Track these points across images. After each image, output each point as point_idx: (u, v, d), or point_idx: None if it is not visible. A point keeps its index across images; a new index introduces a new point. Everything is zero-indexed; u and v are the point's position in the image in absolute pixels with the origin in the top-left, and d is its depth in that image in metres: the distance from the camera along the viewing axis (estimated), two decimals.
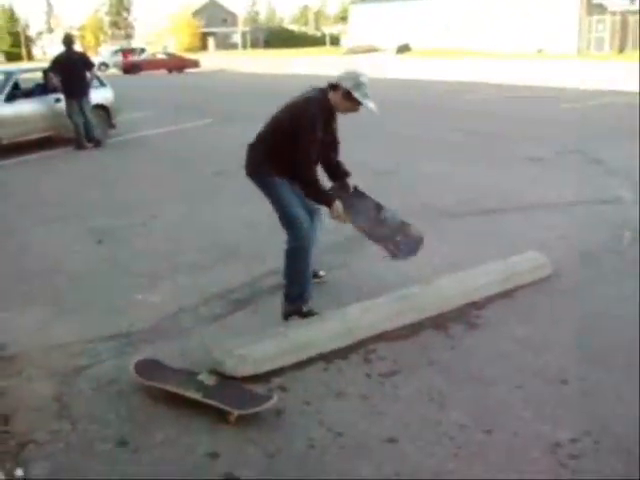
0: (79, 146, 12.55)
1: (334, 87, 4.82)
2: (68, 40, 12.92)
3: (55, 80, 12.20)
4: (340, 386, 3.99)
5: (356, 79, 4.68)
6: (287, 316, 4.82)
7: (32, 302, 5.39)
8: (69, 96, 12.32)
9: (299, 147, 4.72)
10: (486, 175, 9.77)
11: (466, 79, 29.09)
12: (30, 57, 75.25)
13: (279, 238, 6.60)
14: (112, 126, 13.82)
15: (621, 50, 45.49)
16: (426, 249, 6.42)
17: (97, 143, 12.81)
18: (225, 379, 3.94)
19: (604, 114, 16.89)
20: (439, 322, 4.84)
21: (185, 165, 11.00)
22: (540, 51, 47.70)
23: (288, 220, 4.86)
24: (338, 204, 4.74)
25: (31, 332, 4.84)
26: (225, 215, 7.85)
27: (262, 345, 4.16)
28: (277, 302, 5.22)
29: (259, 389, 3.90)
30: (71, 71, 12.28)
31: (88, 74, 12.63)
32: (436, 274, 5.65)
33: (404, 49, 55.25)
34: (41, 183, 9.95)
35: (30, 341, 4.68)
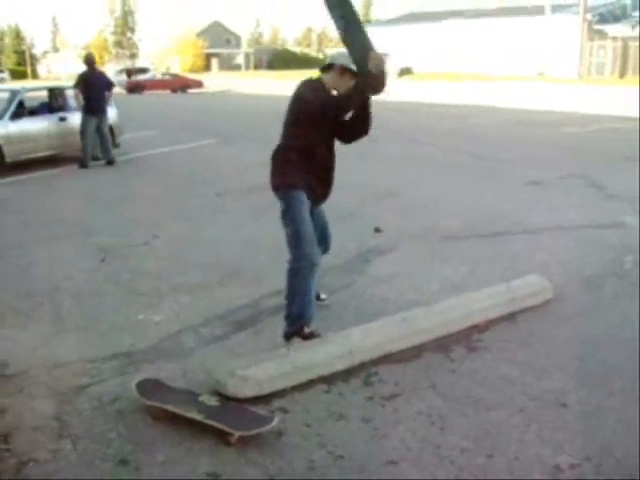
0: (83, 165, 12.61)
1: (328, 68, 4.87)
2: (90, 59, 13.17)
3: (80, 97, 12.49)
4: (341, 408, 3.99)
5: (347, 55, 4.65)
6: (288, 337, 4.77)
7: (34, 320, 5.40)
8: (88, 113, 12.53)
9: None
10: (488, 198, 9.80)
11: (468, 102, 29.25)
12: (35, 76, 75.65)
13: (280, 259, 6.62)
14: (116, 145, 13.89)
15: (622, 75, 45.75)
16: (428, 272, 6.50)
17: (111, 161, 13.00)
18: (226, 400, 3.94)
19: (605, 139, 16.97)
20: (441, 345, 4.84)
21: (187, 185, 11.04)
22: (541, 74, 47.95)
23: (297, 239, 4.74)
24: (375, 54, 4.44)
25: (32, 350, 4.83)
26: (227, 235, 7.87)
27: (264, 366, 4.16)
28: (279, 323, 5.22)
29: (260, 410, 3.89)
30: (93, 89, 12.60)
31: (107, 93, 12.89)
32: (438, 296, 5.67)
33: (406, 72, 55.55)
34: (45, 201, 9.99)
35: (31, 359, 4.67)
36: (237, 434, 3.56)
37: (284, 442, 3.65)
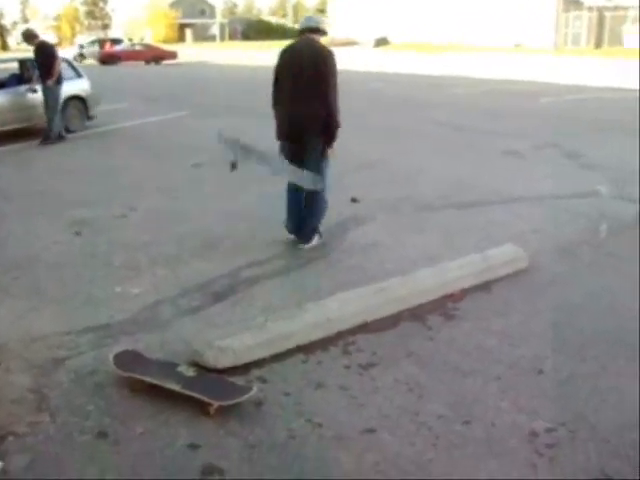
0: (60, 137, 12.38)
1: (316, 31, 6.09)
2: (33, 34, 12.74)
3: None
4: (319, 377, 4.01)
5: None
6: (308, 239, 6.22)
7: (10, 293, 5.35)
8: (59, 83, 12.24)
9: (330, 87, 5.86)
10: (465, 169, 9.83)
11: (444, 73, 29.23)
12: (5, 47, 74.36)
13: (258, 230, 6.65)
14: (90, 118, 13.72)
15: (598, 45, 45.85)
16: (404, 242, 6.52)
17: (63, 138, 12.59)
18: (204, 371, 3.94)
19: (581, 109, 17.05)
20: (417, 314, 4.88)
21: (164, 157, 10.96)
22: (518, 46, 47.92)
23: (322, 175, 6.07)
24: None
25: (9, 324, 4.80)
26: (204, 207, 7.83)
27: (241, 337, 4.17)
28: (256, 294, 5.26)
29: (238, 381, 3.90)
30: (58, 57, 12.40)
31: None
32: (414, 266, 5.69)
33: (382, 42, 55.30)
34: (17, 174, 9.86)
35: (8, 333, 4.64)
36: (216, 404, 3.57)
37: (263, 412, 3.66)
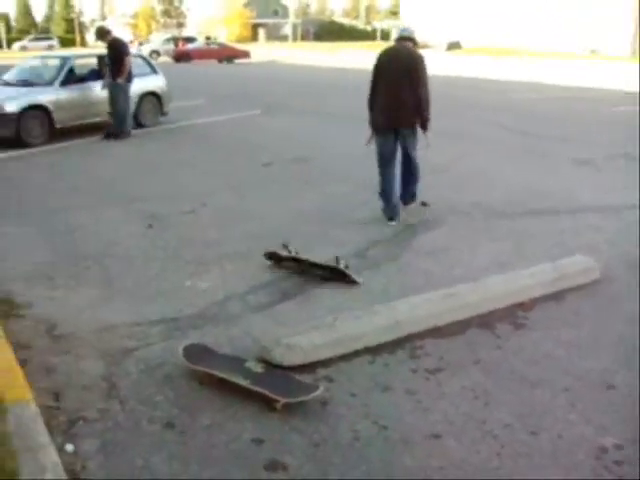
0: (127, 133, 12.58)
1: (409, 39, 7.29)
2: (106, 31, 12.99)
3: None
4: (386, 380, 4.00)
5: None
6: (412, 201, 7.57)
7: (82, 283, 5.49)
8: (129, 80, 12.37)
9: (422, 84, 6.97)
10: (534, 175, 9.67)
11: (515, 78, 28.80)
12: (83, 43, 76.17)
13: (326, 230, 6.67)
14: (164, 113, 13.97)
15: None
16: (474, 248, 6.45)
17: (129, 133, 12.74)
18: (272, 367, 3.97)
19: None
20: (486, 321, 4.82)
21: (235, 155, 11.08)
22: (593, 52, 47.03)
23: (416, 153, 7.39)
24: None
25: (81, 312, 4.93)
26: (273, 206, 7.89)
27: (310, 335, 4.18)
28: (324, 294, 5.27)
29: (305, 379, 3.92)
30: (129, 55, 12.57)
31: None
32: (483, 273, 5.63)
33: (455, 46, 54.88)
34: (92, 166, 10.12)
35: (80, 321, 4.76)
36: (282, 401, 3.60)
37: (329, 411, 3.67)
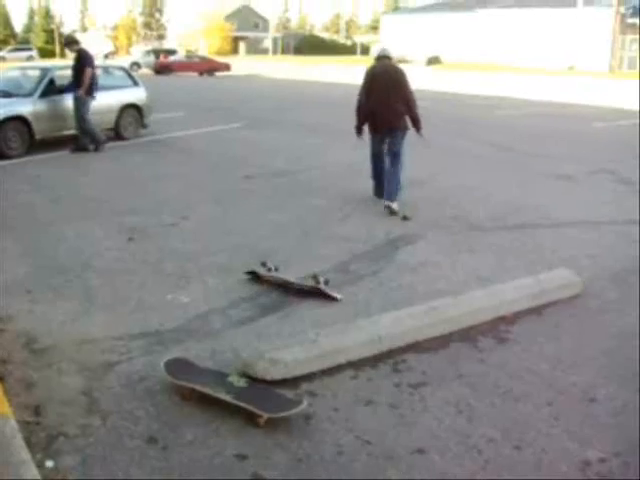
0: (100, 145, 12.35)
1: (388, 58, 8.57)
2: (74, 40, 12.79)
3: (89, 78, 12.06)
4: (369, 394, 3.99)
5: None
6: (395, 196, 8.30)
7: (63, 296, 5.43)
8: (91, 94, 12.13)
9: (409, 93, 8.34)
10: (516, 190, 9.73)
11: (495, 94, 29.03)
12: (63, 54, 75.86)
13: (308, 244, 6.67)
14: (144, 126, 13.92)
15: None
16: (455, 262, 6.47)
17: (103, 143, 12.49)
18: (255, 382, 3.94)
19: (636, 134, 16.77)
20: (469, 335, 4.82)
21: (216, 167, 11.06)
22: (571, 68, 47.52)
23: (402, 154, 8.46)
24: None
25: (61, 326, 4.88)
26: (255, 219, 7.87)
27: (292, 350, 4.17)
28: (306, 308, 5.26)
29: (288, 394, 3.90)
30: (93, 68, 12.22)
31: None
32: (464, 287, 5.65)
33: (434, 61, 55.24)
34: (73, 179, 10.05)
35: (60, 335, 4.71)
36: (265, 416, 3.57)
37: (312, 426, 3.65)
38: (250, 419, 3.62)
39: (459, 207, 8.63)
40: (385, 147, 8.54)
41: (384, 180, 8.58)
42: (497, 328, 4.97)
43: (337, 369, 4.24)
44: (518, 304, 5.26)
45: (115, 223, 7.51)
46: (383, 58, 8.59)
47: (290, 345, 4.24)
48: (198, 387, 3.80)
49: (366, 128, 8.65)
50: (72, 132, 12.52)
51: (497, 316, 5.11)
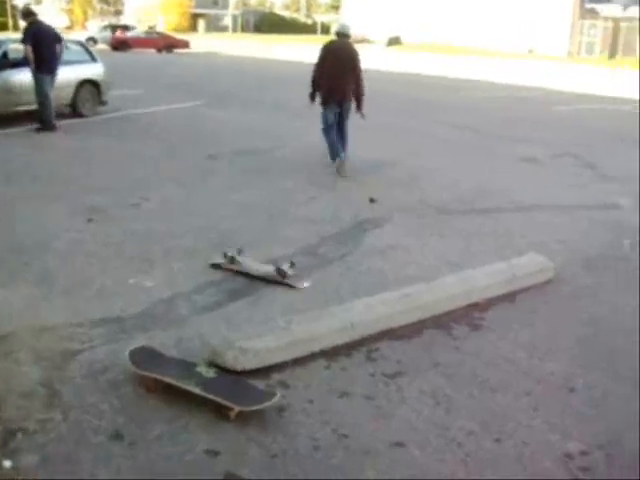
0: (49, 127, 11.62)
1: (347, 36, 9.45)
2: (29, 11, 11.92)
3: (30, 54, 11.26)
4: (344, 385, 3.84)
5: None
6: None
7: (20, 280, 5.17)
8: (43, 71, 11.42)
9: (360, 72, 9.12)
10: (482, 173, 9.67)
11: (456, 75, 29.03)
12: (16, 27, 73.90)
13: (272, 225, 6.52)
14: (102, 103, 13.52)
15: (611, 56, 45.63)
16: (424, 246, 6.35)
17: (52, 127, 11.73)
18: (224, 372, 3.77)
19: (596, 118, 16.87)
20: (442, 322, 4.71)
21: (178, 146, 10.77)
22: (531, 51, 47.76)
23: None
24: None
25: (19, 311, 4.63)
26: (219, 199, 7.66)
27: (263, 339, 3.99)
28: (274, 293, 5.09)
29: (259, 384, 3.73)
30: (43, 44, 11.38)
31: (58, 47, 11.72)
32: (434, 272, 5.54)
33: (395, 41, 55.10)
34: (29, 157, 9.67)
35: (18, 320, 4.47)
36: (237, 409, 3.41)
37: (286, 419, 3.49)
38: (220, 412, 3.45)
39: (426, 190, 8.52)
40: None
41: (338, 143, 9.36)
42: (471, 315, 4.86)
43: (310, 358, 4.08)
44: (491, 290, 5.16)
45: (74, 203, 7.22)
46: (342, 36, 9.38)
47: (261, 333, 4.07)
48: (166, 379, 3.61)
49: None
50: (27, 108, 12.07)
51: (470, 302, 5.00)
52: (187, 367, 3.76)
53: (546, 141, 12.78)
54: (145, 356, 3.84)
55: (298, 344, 4.06)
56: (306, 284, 5.25)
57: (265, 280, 5.28)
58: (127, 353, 3.83)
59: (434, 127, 14.09)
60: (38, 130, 11.50)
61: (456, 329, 4.63)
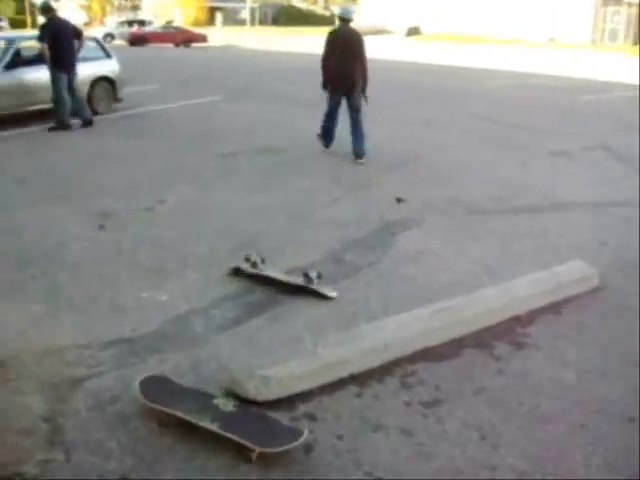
0: (63, 125, 11.24)
1: (349, 21, 9.39)
2: (48, 6, 11.43)
3: (47, 52, 10.89)
4: (377, 416, 3.44)
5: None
6: (363, 155, 9.28)
7: (24, 296, 4.80)
8: (59, 68, 11.05)
9: (364, 58, 9.12)
10: (511, 168, 9.23)
11: (477, 65, 28.46)
12: (35, 25, 73.86)
13: (298, 227, 6.10)
14: (117, 100, 13.18)
15: (635, 43, 44.75)
16: (457, 250, 5.94)
17: (89, 123, 11.58)
18: (245, 405, 3.38)
19: (624, 108, 16.30)
20: (482, 339, 4.30)
21: (194, 144, 10.39)
22: (552, 40, 46.95)
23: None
24: None
25: (23, 331, 4.27)
26: (239, 201, 7.27)
27: (287, 365, 3.60)
28: (299, 307, 4.70)
29: (283, 417, 3.34)
30: (60, 40, 11.02)
31: (77, 43, 11.36)
32: (470, 279, 5.15)
33: (414, 32, 54.44)
34: (40, 158, 9.34)
35: (21, 343, 4.12)
36: (258, 450, 3.02)
37: (314, 459, 3.10)
38: (241, 452, 3.07)
39: (455, 187, 8.11)
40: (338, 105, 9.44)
41: (334, 133, 9.74)
42: (513, 330, 4.45)
43: (339, 384, 3.69)
44: (533, 301, 4.74)
45: (85, 208, 6.86)
46: (345, 20, 9.39)
47: (284, 358, 3.68)
48: (179, 413, 3.23)
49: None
50: (41, 107, 11.75)
51: (511, 315, 4.59)
52: (203, 399, 3.38)
53: (575, 132, 12.30)
54: (157, 386, 3.46)
55: (326, 370, 3.67)
56: (334, 294, 4.86)
57: (289, 289, 4.90)
58: (137, 383, 3.46)
59: (457, 118, 13.63)
60: (51, 129, 11.17)
61: (498, 347, 4.22)
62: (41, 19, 12.20)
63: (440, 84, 20.54)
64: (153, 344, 4.14)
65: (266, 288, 4.98)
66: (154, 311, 4.59)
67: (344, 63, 9.05)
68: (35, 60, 11.97)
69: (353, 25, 9.56)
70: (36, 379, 3.71)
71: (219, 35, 52.96)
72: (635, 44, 44.30)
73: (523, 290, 4.78)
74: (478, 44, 43.62)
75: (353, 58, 9.03)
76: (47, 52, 10.93)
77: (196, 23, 72.58)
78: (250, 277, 5.11)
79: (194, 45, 44.07)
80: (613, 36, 46.81)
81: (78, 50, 11.48)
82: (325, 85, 9.48)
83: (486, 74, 24.41)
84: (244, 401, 3.42)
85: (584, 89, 19.94)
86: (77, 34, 11.56)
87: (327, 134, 9.76)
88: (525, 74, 24.61)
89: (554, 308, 4.80)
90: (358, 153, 9.28)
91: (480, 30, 50.70)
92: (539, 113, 14.84)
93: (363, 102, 9.26)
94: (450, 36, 49.59)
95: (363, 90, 9.20)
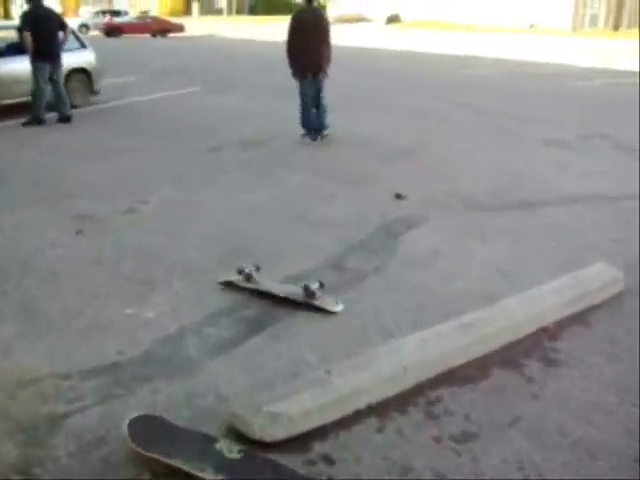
0: (37, 120, 10.77)
1: (312, 1, 9.44)
2: None
3: (29, 40, 10.42)
4: (404, 456, 2.98)
5: None
6: (323, 130, 9.63)
7: None
8: (40, 59, 10.58)
9: (329, 39, 9.15)
10: (506, 160, 8.81)
11: (458, 53, 28.00)
12: (8, 16, 72.60)
13: (290, 230, 5.64)
14: (94, 92, 12.61)
15: (616, 28, 44.53)
16: (467, 252, 5.51)
17: (67, 119, 11.05)
18: (250, 446, 2.92)
19: (613, 93, 15.96)
20: (510, 357, 3.85)
21: (176, 138, 9.86)
22: (532, 26, 46.61)
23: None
24: None
25: None
26: (226, 201, 6.78)
27: (298, 398, 3.12)
28: (301, 323, 4.23)
29: (296, 461, 2.88)
30: (43, 30, 10.54)
31: (61, 34, 10.94)
32: (485, 285, 4.74)
33: (394, 19, 53.93)
34: (12, 154, 8.79)
35: None
36: None
37: None
38: None
39: (454, 181, 7.67)
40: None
41: (310, 118, 9.64)
42: (541, 345, 4.01)
43: (356, 417, 3.22)
44: (560, 311, 4.31)
45: (61, 210, 6.35)
46: (309, 2, 9.45)
47: (295, 391, 3.20)
48: (175, 463, 2.76)
49: None
50: (15, 100, 11.18)
51: (537, 328, 4.15)
52: (203, 442, 2.91)
53: (568, 120, 11.88)
54: (149, 428, 2.98)
55: (341, 401, 3.20)
56: (339, 307, 4.39)
57: (288, 302, 4.43)
58: (126, 425, 2.98)
59: (446, 107, 13.19)
60: (25, 124, 10.61)
61: (528, 366, 3.77)
62: (15, 10, 11.69)
63: (423, 72, 20.12)
64: (141, 371, 3.65)
65: (262, 301, 4.51)
66: (141, 330, 4.10)
67: (310, 49, 9.10)
68: (8, 51, 11.42)
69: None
70: (9, 419, 3.22)
71: (196, 25, 52.15)
72: (615, 29, 44.09)
73: (548, 299, 4.34)
74: (458, 32, 43.18)
75: (319, 41, 9.06)
76: (29, 40, 10.45)
77: (172, 13, 71.45)
78: (244, 290, 4.63)
79: (171, 35, 43.35)
80: (593, 22, 46.50)
81: (63, 42, 11.04)
82: (295, 74, 9.46)
83: (469, 62, 23.96)
84: (249, 442, 2.95)
85: (569, 75, 19.54)
86: (62, 25, 11.10)
87: (309, 122, 9.66)
88: (509, 61, 24.20)
89: (581, 317, 4.36)
90: (322, 126, 9.60)
91: (460, 17, 50.24)
92: (532, 101, 14.42)
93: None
94: (430, 23, 49.08)
95: (326, 66, 9.29)
